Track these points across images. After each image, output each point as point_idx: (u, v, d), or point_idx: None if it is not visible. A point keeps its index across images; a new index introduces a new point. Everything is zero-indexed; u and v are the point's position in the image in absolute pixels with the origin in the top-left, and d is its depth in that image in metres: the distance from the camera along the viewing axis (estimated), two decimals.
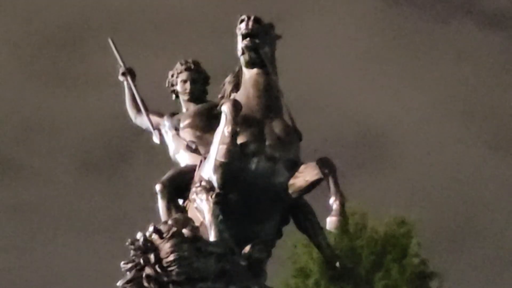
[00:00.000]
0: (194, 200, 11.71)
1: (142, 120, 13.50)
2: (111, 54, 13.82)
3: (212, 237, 11.06)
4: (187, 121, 12.94)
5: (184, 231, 10.67)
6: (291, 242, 25.16)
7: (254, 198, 11.59)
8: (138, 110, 13.56)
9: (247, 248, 11.65)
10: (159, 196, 12.21)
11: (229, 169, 11.43)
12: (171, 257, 10.50)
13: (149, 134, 13.42)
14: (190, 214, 11.60)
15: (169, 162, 12.96)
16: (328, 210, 11.42)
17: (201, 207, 11.50)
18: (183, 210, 12.02)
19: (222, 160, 11.42)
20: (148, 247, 10.59)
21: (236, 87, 12.16)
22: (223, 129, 11.52)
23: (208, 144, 12.05)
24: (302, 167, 11.66)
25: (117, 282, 10.87)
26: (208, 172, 11.64)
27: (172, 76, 13.34)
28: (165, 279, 10.49)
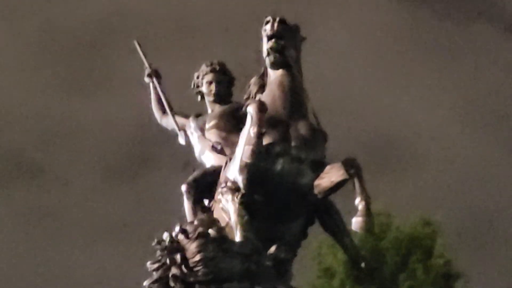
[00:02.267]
0: (220, 201, 11.72)
1: (168, 121, 13.51)
2: (136, 58, 13.86)
3: (237, 238, 11.06)
4: (212, 122, 12.94)
5: (210, 231, 10.68)
6: (316, 243, 25.07)
7: (280, 198, 11.60)
8: (164, 111, 13.58)
9: (272, 249, 11.66)
10: (185, 197, 12.24)
11: (254, 170, 11.43)
12: (197, 257, 10.51)
13: (172, 138, 13.43)
14: (215, 215, 11.61)
15: (193, 165, 12.96)
16: (353, 211, 11.42)
17: (226, 208, 11.51)
18: (208, 210, 12.03)
19: (248, 161, 11.43)
20: (175, 247, 10.60)
21: (262, 88, 12.16)
22: (249, 130, 11.52)
23: (233, 145, 12.06)
24: (327, 168, 11.65)
25: (142, 284, 10.88)
26: (233, 172, 11.65)
27: (198, 77, 13.33)
28: (191, 279, 10.49)
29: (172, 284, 10.54)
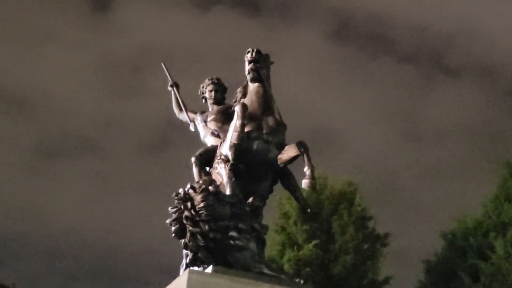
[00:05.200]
0: (216, 168, 11.65)
1: (183, 116, 13.46)
2: (163, 74, 13.75)
3: (228, 192, 11.01)
4: (212, 117, 12.89)
5: (210, 187, 10.61)
6: (278, 195, 25.02)
7: (255, 167, 11.53)
8: (180, 109, 13.52)
9: (250, 199, 11.62)
10: (193, 165, 12.18)
11: (239, 148, 11.36)
12: (201, 205, 10.44)
13: (187, 125, 13.36)
14: (213, 177, 11.54)
15: (199, 145, 12.87)
16: (303, 175, 11.38)
17: (221, 172, 11.45)
18: (209, 174, 11.95)
19: (235, 142, 11.36)
20: (186, 197, 10.54)
21: (244, 95, 12.09)
22: (236, 122, 11.45)
23: (226, 132, 11.99)
24: (286, 147, 11.60)
25: (165, 222, 10.81)
26: (225, 149, 11.58)
27: (202, 87, 13.31)
28: (197, 218, 10.43)
29: (184, 221, 10.47)
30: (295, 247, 24.46)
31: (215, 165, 11.75)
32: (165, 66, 13.73)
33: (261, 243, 11.09)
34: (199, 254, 10.46)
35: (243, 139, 11.33)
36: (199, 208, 10.39)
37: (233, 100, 12.36)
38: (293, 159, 11.57)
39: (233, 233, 10.54)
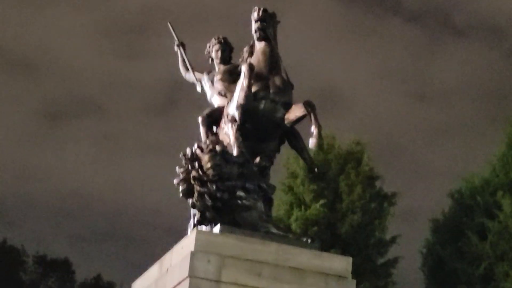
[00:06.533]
0: (223, 128, 11.64)
1: (190, 76, 13.43)
2: (168, 34, 13.65)
3: (235, 152, 11.01)
4: (218, 76, 12.83)
5: (217, 147, 10.61)
6: (286, 155, 24.98)
7: (262, 126, 11.52)
8: (187, 69, 13.49)
9: (257, 159, 11.61)
10: (200, 125, 12.18)
11: (246, 108, 11.34)
12: (209, 165, 10.45)
13: (193, 86, 13.33)
14: (220, 137, 11.53)
15: (206, 105, 12.81)
16: (310, 135, 11.36)
17: (228, 132, 11.44)
18: (216, 134, 11.94)
19: (242, 102, 11.34)
20: (194, 157, 10.54)
21: (251, 54, 12.02)
22: (242, 81, 11.41)
23: (232, 92, 11.94)
24: (293, 106, 11.57)
25: (172, 182, 10.82)
26: (232, 109, 11.55)
27: (209, 47, 13.22)
28: (205, 178, 10.45)
29: (192, 181, 10.49)
30: (302, 207, 24.53)
31: (222, 125, 11.74)
32: (171, 26, 13.64)
33: (269, 203, 11.11)
34: (207, 214, 10.49)
35: (250, 99, 11.29)
36: (206, 168, 10.40)
37: (240, 60, 12.28)
38: (300, 119, 11.54)
39: (240, 193, 10.56)
